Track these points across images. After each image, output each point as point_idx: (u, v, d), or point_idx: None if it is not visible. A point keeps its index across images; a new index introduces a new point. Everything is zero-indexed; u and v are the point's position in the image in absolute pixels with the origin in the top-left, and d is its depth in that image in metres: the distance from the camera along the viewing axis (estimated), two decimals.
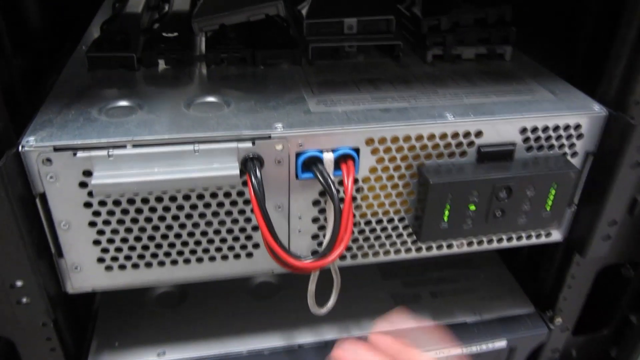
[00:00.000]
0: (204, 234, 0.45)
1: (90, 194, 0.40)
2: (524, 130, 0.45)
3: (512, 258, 0.67)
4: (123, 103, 0.45)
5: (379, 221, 0.48)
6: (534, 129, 0.46)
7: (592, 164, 0.49)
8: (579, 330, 0.62)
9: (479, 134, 0.45)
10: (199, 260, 0.46)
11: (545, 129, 0.46)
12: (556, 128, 0.46)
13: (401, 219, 0.48)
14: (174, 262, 0.46)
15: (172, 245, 0.45)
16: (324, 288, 0.47)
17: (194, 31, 0.54)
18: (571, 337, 0.62)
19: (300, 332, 0.56)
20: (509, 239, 0.51)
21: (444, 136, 0.44)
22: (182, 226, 0.44)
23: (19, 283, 0.42)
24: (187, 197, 0.42)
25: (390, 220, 0.48)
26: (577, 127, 0.47)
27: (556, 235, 0.53)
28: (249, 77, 0.51)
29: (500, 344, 0.57)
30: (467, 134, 0.44)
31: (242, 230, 0.45)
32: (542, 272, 0.60)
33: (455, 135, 0.44)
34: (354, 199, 0.45)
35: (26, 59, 0.54)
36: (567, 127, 0.46)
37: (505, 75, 0.52)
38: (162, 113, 0.43)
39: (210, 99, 0.46)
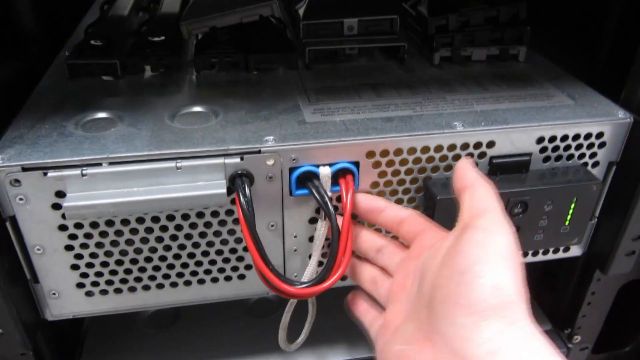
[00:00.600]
0: (191, 256, 0.41)
1: (64, 216, 0.37)
2: (540, 140, 0.41)
3: (527, 272, 0.62)
4: (102, 115, 0.41)
5: None
6: (552, 139, 0.42)
7: (615, 174, 0.45)
8: (599, 347, 0.58)
9: (491, 144, 0.41)
10: (187, 283, 0.42)
11: (565, 138, 0.42)
12: (577, 137, 0.42)
13: None
14: (160, 286, 0.42)
15: (157, 268, 0.41)
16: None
17: (182, 34, 0.51)
18: (591, 355, 0.57)
19: (300, 354, 0.53)
20: (525, 255, 0.47)
21: (452, 147, 0.40)
22: (167, 248, 0.40)
23: None
24: (171, 218, 0.39)
25: (395, 238, 0.44)
26: (600, 135, 0.42)
27: (575, 250, 0.49)
28: (242, 83, 0.47)
29: None
30: (478, 145, 0.40)
31: (233, 251, 0.42)
32: (559, 287, 0.56)
33: (465, 146, 0.40)
34: (353, 216, 0.41)
35: (16, 63, 0.50)
36: (588, 136, 0.42)
37: (520, 79, 0.48)
38: (144, 126, 0.40)
39: (197, 108, 0.43)
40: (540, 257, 0.48)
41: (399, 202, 0.42)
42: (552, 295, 0.57)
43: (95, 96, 0.44)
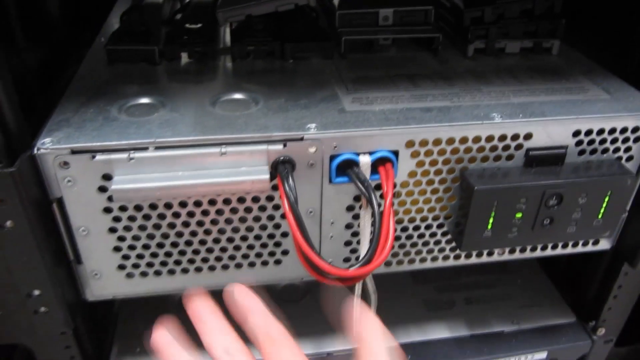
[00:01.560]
0: (230, 240, 0.42)
1: (110, 198, 0.38)
2: (577, 133, 0.42)
3: (551, 264, 0.63)
4: (144, 100, 0.42)
5: (416, 227, 0.44)
6: (589, 132, 0.42)
7: None
8: (622, 340, 0.58)
9: (528, 136, 0.41)
10: (225, 267, 0.43)
11: (601, 131, 0.42)
12: (612, 131, 0.42)
13: (440, 225, 0.45)
14: (199, 270, 0.43)
15: (196, 252, 0.42)
16: None
17: (218, 22, 0.51)
18: (614, 348, 0.58)
19: (329, 339, 0.54)
20: (554, 247, 0.48)
21: (490, 138, 0.41)
22: (207, 232, 0.41)
23: (36, 292, 0.40)
24: (212, 202, 0.39)
25: (428, 227, 0.45)
26: (635, 129, 0.43)
27: (605, 244, 0.49)
28: (277, 71, 0.48)
29: (541, 355, 0.54)
30: (515, 137, 0.41)
31: (271, 236, 0.42)
32: (585, 280, 0.56)
33: (502, 137, 0.41)
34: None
35: (41, 50, 0.51)
36: (624, 130, 0.43)
37: (554, 72, 0.48)
38: (186, 111, 0.40)
39: (237, 95, 0.43)
40: (570, 250, 0.48)
41: (435, 192, 0.43)
42: (576, 288, 0.58)
43: (135, 82, 0.45)
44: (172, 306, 0.57)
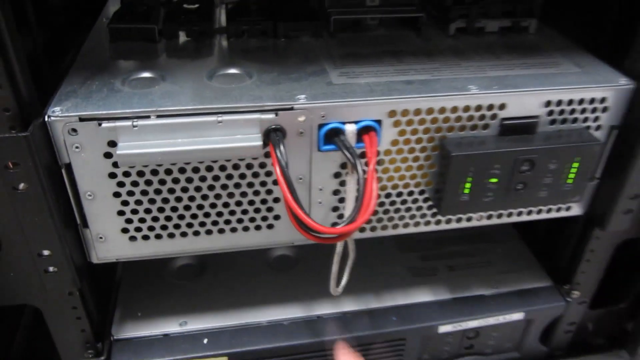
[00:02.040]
0: (225, 205, 0.45)
1: (114, 164, 0.41)
2: (548, 104, 0.45)
3: (529, 232, 0.67)
4: (146, 74, 0.45)
5: (399, 194, 0.48)
6: (559, 102, 0.45)
7: (616, 138, 0.48)
8: (595, 304, 0.62)
9: (502, 106, 0.44)
10: (221, 231, 0.46)
11: (570, 102, 0.45)
12: (581, 101, 0.46)
13: (421, 192, 0.48)
14: (196, 233, 0.46)
15: (194, 216, 0.45)
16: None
17: (214, 3, 0.54)
18: (588, 310, 0.62)
19: (319, 303, 0.57)
20: (529, 212, 0.51)
21: (467, 109, 0.44)
22: (205, 197, 0.44)
23: (46, 252, 0.43)
24: (209, 169, 0.43)
25: (411, 193, 0.48)
26: (603, 100, 0.46)
27: (576, 209, 0.53)
28: (270, 49, 0.51)
29: (518, 316, 0.57)
30: (490, 107, 0.44)
31: (264, 201, 0.45)
32: (560, 246, 0.60)
33: (478, 108, 0.44)
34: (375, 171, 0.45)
35: (46, 32, 0.54)
36: (592, 101, 0.46)
37: (530, 48, 0.52)
38: (185, 84, 0.43)
39: (233, 70, 0.46)
40: (544, 215, 0.52)
41: (416, 159, 0.46)
42: (552, 253, 0.62)
43: (137, 58, 0.48)
44: (170, 275, 0.61)
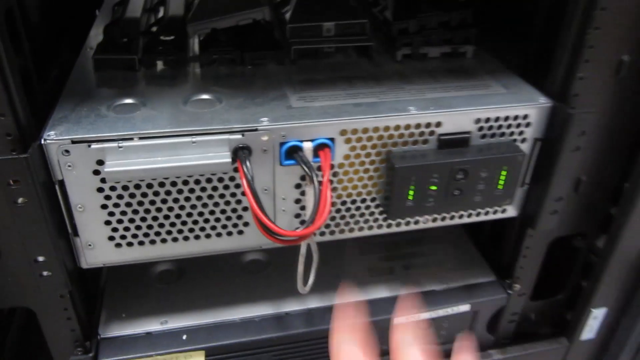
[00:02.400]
0: (200, 214, 0.51)
1: (102, 180, 0.47)
2: (478, 120, 0.52)
3: (477, 234, 0.74)
4: (128, 101, 0.51)
5: (354, 201, 0.55)
6: (487, 119, 0.53)
7: (540, 149, 0.56)
8: (537, 296, 0.69)
9: (438, 124, 0.52)
10: (197, 237, 0.53)
11: (497, 119, 0.53)
12: (507, 118, 0.53)
13: (373, 199, 0.55)
14: (175, 240, 0.52)
15: (173, 224, 0.51)
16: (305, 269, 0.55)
17: (188, 34, 0.61)
18: (529, 302, 0.69)
19: (287, 302, 0.63)
20: (469, 215, 0.59)
21: (408, 127, 0.51)
22: (182, 207, 0.50)
23: (41, 258, 0.48)
24: (185, 182, 0.49)
25: (364, 201, 0.55)
26: (526, 117, 0.54)
27: (511, 212, 0.60)
28: (238, 76, 0.57)
29: (465, 307, 0.64)
30: (428, 125, 0.51)
31: (234, 210, 0.52)
32: (502, 244, 0.67)
33: (418, 125, 0.51)
34: (331, 181, 0.52)
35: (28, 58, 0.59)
36: (516, 117, 0.53)
37: (466, 72, 0.59)
38: (163, 109, 0.50)
39: (205, 96, 0.53)
40: (482, 217, 0.59)
41: (367, 171, 0.53)
42: (496, 252, 0.69)
43: (120, 86, 0.54)
44: (152, 279, 0.67)
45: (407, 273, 0.68)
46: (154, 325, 0.60)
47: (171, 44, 0.59)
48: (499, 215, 0.60)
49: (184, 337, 0.59)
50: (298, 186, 0.52)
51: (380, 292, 0.65)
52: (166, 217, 0.51)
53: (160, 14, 0.68)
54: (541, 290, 0.70)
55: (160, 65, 0.58)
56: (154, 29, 0.64)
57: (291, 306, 0.63)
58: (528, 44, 0.62)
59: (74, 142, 0.45)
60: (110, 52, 0.57)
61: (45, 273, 0.49)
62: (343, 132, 0.50)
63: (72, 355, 0.56)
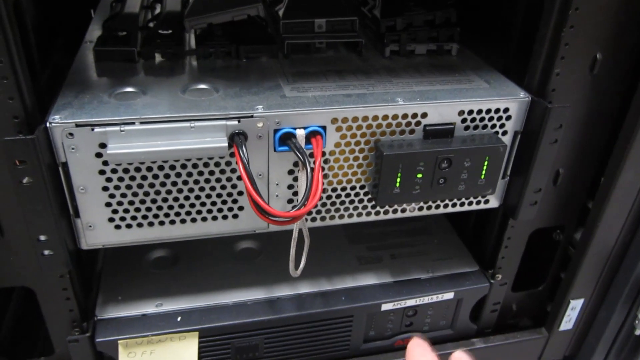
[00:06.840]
0: (197, 197, 0.53)
1: (104, 162, 0.49)
2: (461, 113, 0.55)
3: (462, 226, 0.77)
4: (129, 89, 0.53)
5: (344, 188, 0.57)
6: (470, 112, 0.56)
7: (520, 141, 0.59)
8: (519, 287, 0.72)
9: (424, 115, 0.54)
10: (193, 220, 0.55)
11: (480, 111, 0.56)
12: (489, 111, 0.56)
13: (362, 187, 0.57)
14: (172, 222, 0.54)
15: (170, 207, 0.53)
16: (297, 255, 0.57)
17: (185, 29, 0.63)
18: (511, 292, 0.72)
19: (279, 287, 0.66)
20: (454, 204, 0.61)
21: (395, 117, 0.54)
22: (180, 191, 0.53)
23: (43, 237, 0.50)
24: (184, 166, 0.51)
25: (353, 188, 0.57)
26: (506, 110, 0.57)
27: (493, 202, 0.63)
28: (234, 68, 0.60)
29: (448, 295, 0.67)
30: (414, 115, 0.54)
31: (230, 194, 0.54)
32: (485, 235, 0.70)
33: (405, 116, 0.54)
34: (322, 168, 0.54)
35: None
36: (497, 110, 0.56)
37: (450, 68, 0.62)
38: (163, 97, 0.52)
39: (202, 86, 0.55)
40: (466, 207, 0.62)
41: (356, 159, 0.55)
42: (479, 242, 0.72)
43: (120, 76, 0.56)
44: (147, 265, 0.69)
45: (394, 262, 0.71)
46: (149, 308, 0.62)
47: (169, 37, 0.62)
48: (482, 206, 0.63)
49: (179, 319, 0.61)
50: (291, 172, 0.54)
51: (369, 279, 0.67)
52: (164, 200, 0.53)
53: (158, 10, 0.71)
54: (523, 283, 0.73)
55: (158, 57, 0.61)
56: (152, 24, 0.66)
57: (282, 291, 0.66)
58: (508, 42, 0.65)
59: (77, 125, 0.47)
60: (110, 45, 0.59)
61: (46, 252, 0.51)
62: (334, 121, 0.52)
63: (69, 335, 0.58)
